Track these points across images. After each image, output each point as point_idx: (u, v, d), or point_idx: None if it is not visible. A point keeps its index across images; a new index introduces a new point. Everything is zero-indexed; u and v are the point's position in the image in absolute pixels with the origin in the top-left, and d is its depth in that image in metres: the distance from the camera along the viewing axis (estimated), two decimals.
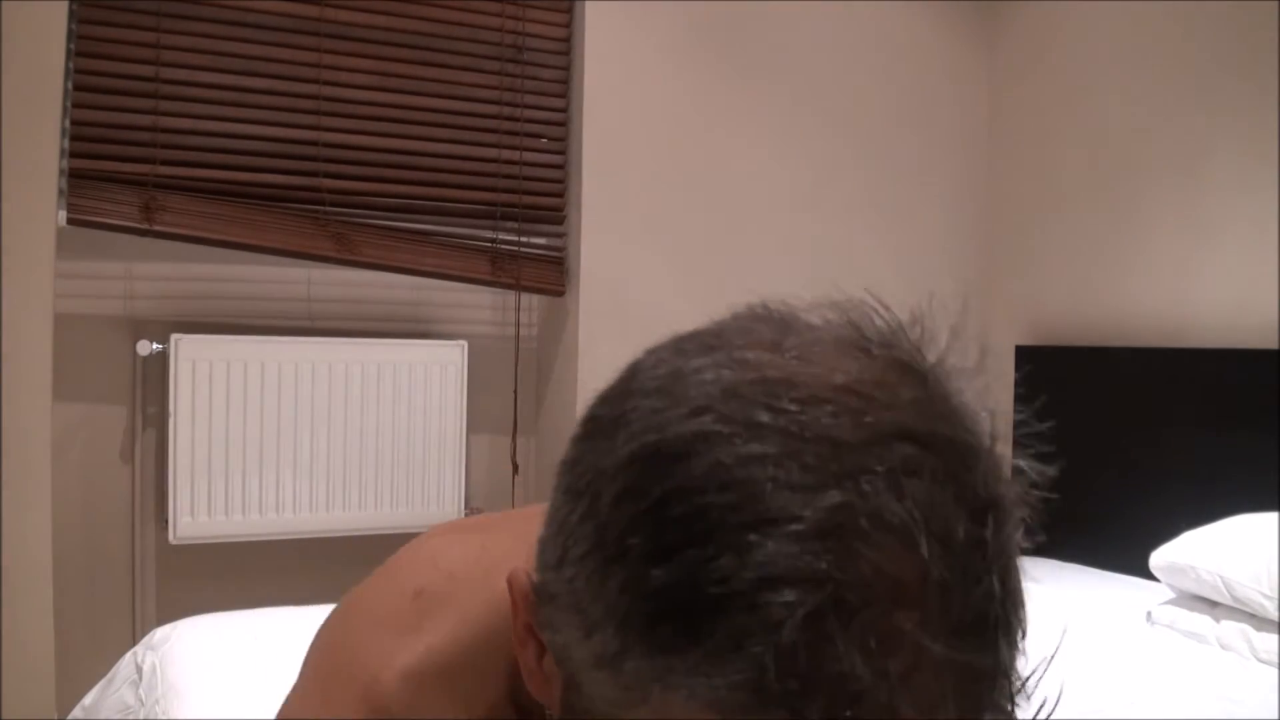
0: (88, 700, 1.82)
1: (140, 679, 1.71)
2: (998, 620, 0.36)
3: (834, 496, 0.33)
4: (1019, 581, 0.37)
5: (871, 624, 0.33)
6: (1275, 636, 1.80)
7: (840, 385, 0.36)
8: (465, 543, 0.60)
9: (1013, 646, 0.37)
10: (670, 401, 0.37)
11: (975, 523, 0.36)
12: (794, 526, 0.33)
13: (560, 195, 2.67)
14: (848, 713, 0.32)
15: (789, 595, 0.32)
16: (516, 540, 0.51)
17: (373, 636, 0.55)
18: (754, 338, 0.39)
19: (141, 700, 1.66)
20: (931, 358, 0.39)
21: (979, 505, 0.36)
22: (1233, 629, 1.88)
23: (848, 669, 0.32)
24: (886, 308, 0.40)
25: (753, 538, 0.33)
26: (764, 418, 0.35)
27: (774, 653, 0.32)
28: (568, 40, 2.65)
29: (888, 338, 0.39)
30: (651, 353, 0.41)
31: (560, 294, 2.66)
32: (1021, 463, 0.40)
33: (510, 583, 0.44)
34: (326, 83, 2.41)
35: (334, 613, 0.60)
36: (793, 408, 0.35)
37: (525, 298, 2.70)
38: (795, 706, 0.32)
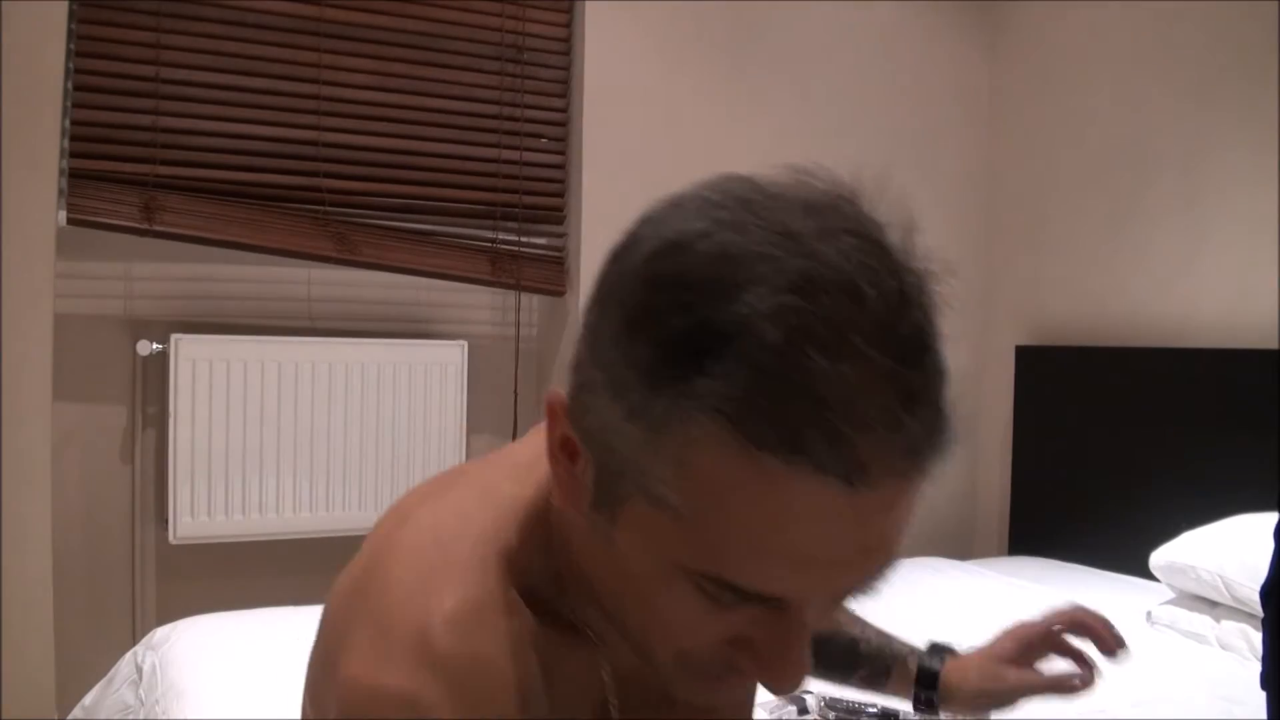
0: (88, 700, 1.82)
1: (140, 679, 1.71)
2: (927, 352, 0.47)
3: (800, 263, 0.45)
4: (939, 338, 0.48)
5: (834, 343, 0.44)
6: None
7: (800, 203, 0.49)
8: (455, 481, 0.67)
9: (941, 376, 0.48)
10: (675, 218, 0.50)
11: (903, 283, 0.47)
12: (775, 281, 0.45)
13: (560, 195, 2.67)
14: (820, 408, 0.44)
15: (774, 326, 0.44)
16: (497, 469, 0.67)
17: (410, 585, 0.59)
18: (730, 180, 0.52)
19: (141, 700, 1.67)
20: (863, 199, 0.51)
21: (905, 273, 0.48)
22: (1233, 629, 1.88)
23: (818, 372, 0.44)
24: (829, 169, 0.52)
25: (747, 291, 0.45)
26: (747, 219, 0.47)
27: (767, 363, 0.44)
28: (568, 40, 2.65)
29: (831, 181, 0.51)
30: (650, 206, 0.54)
31: (560, 294, 2.66)
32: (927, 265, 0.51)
33: (550, 402, 0.54)
34: (326, 83, 2.41)
35: (360, 569, 0.64)
36: (767, 215, 0.48)
37: (525, 298, 2.70)
38: (782, 403, 0.44)
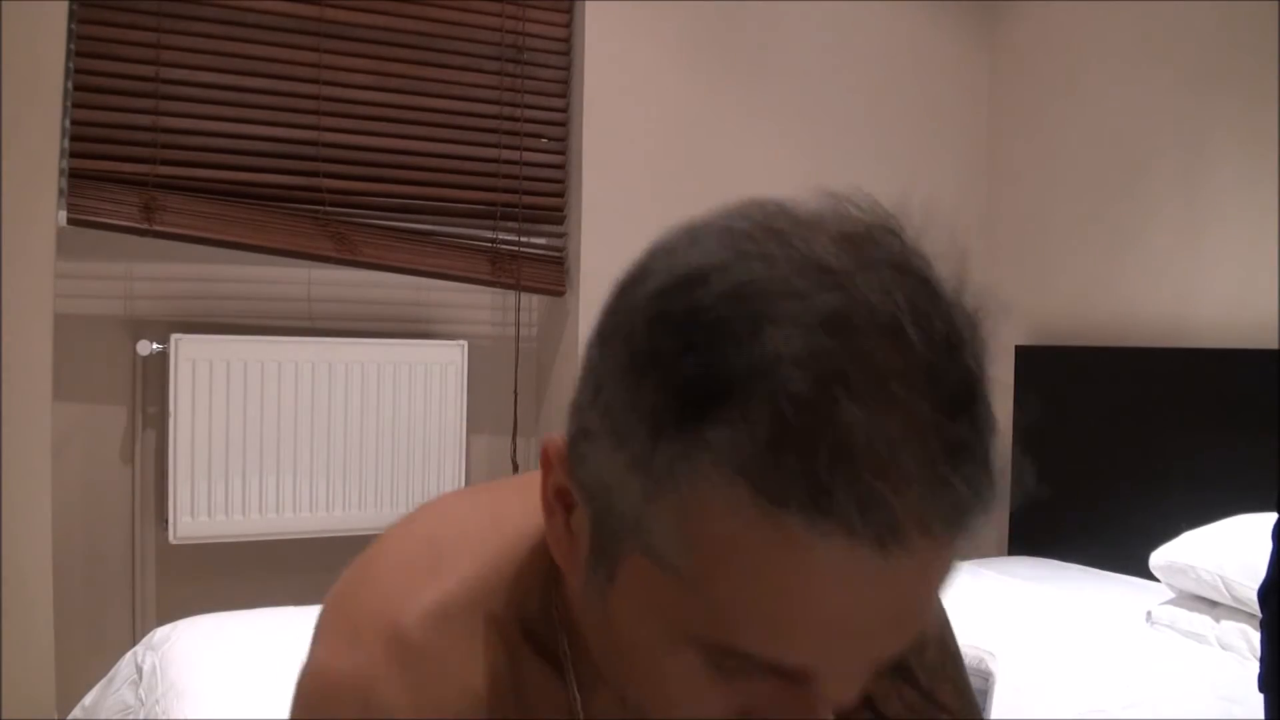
0: (88, 700, 1.82)
1: (140, 679, 1.71)
2: (976, 402, 0.42)
3: (834, 299, 0.40)
4: (989, 384, 0.43)
5: (870, 389, 0.39)
6: None
7: (835, 233, 0.43)
8: (474, 501, 0.64)
9: (990, 429, 0.42)
10: (690, 249, 0.44)
11: (952, 324, 0.42)
12: (803, 320, 0.39)
13: (560, 195, 2.67)
14: (852, 464, 0.38)
15: (800, 369, 0.39)
16: (519, 496, 0.59)
17: (392, 581, 0.57)
18: (757, 207, 0.46)
19: (141, 700, 1.67)
20: (908, 230, 0.45)
21: (955, 312, 0.43)
22: (1233, 629, 1.88)
23: (852, 422, 0.38)
24: (868, 195, 0.46)
25: (769, 330, 0.39)
26: (773, 250, 0.42)
27: (790, 410, 0.38)
28: (568, 40, 2.65)
29: (871, 208, 0.46)
30: (666, 231, 0.48)
31: (560, 294, 2.66)
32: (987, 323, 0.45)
33: (545, 448, 0.50)
34: (326, 83, 2.41)
35: (348, 569, 0.62)
36: (798, 244, 0.42)
37: (525, 298, 2.70)
38: (808, 457, 0.38)
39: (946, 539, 0.41)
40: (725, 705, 0.45)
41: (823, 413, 0.38)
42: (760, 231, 0.43)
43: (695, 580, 0.42)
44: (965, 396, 0.41)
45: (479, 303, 2.68)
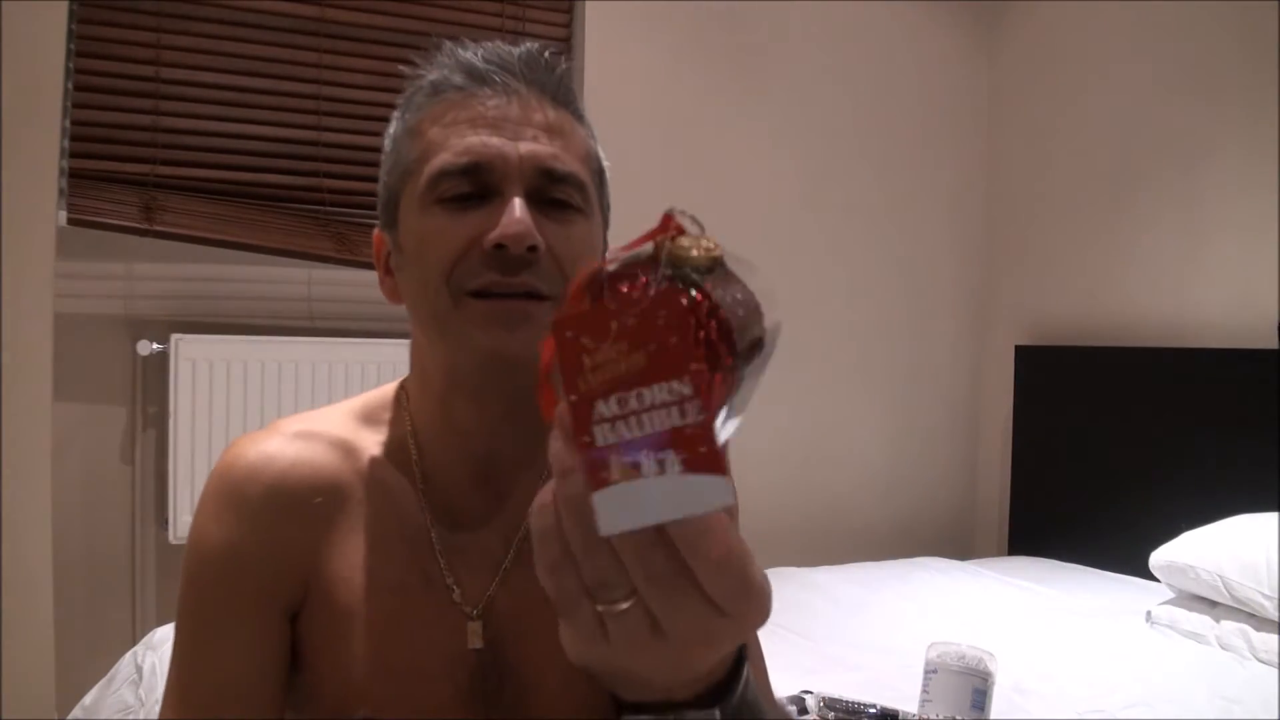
0: (88, 700, 1.82)
1: (140, 679, 1.71)
2: (553, 64, 0.78)
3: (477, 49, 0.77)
4: (544, 65, 0.77)
5: (483, 49, 0.76)
6: (1275, 636, 1.80)
7: (491, 46, 0.78)
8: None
9: (539, 56, 0.77)
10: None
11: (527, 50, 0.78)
12: (460, 48, 0.77)
13: None
14: (477, 61, 0.75)
15: (459, 52, 0.76)
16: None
17: (273, 428, 0.80)
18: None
19: (141, 700, 1.67)
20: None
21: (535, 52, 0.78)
22: (1233, 629, 1.88)
23: (473, 53, 0.76)
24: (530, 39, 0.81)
25: (449, 63, 0.77)
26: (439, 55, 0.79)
27: (453, 59, 0.76)
28: (568, 40, 2.65)
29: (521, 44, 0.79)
30: None
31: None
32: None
33: (374, 238, 0.81)
34: (326, 83, 2.41)
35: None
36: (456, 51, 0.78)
37: None
38: (461, 67, 0.75)
39: (525, 79, 0.75)
40: (461, 234, 0.71)
41: (462, 53, 0.76)
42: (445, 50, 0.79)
43: (419, 156, 0.74)
44: (538, 57, 0.76)
45: None
